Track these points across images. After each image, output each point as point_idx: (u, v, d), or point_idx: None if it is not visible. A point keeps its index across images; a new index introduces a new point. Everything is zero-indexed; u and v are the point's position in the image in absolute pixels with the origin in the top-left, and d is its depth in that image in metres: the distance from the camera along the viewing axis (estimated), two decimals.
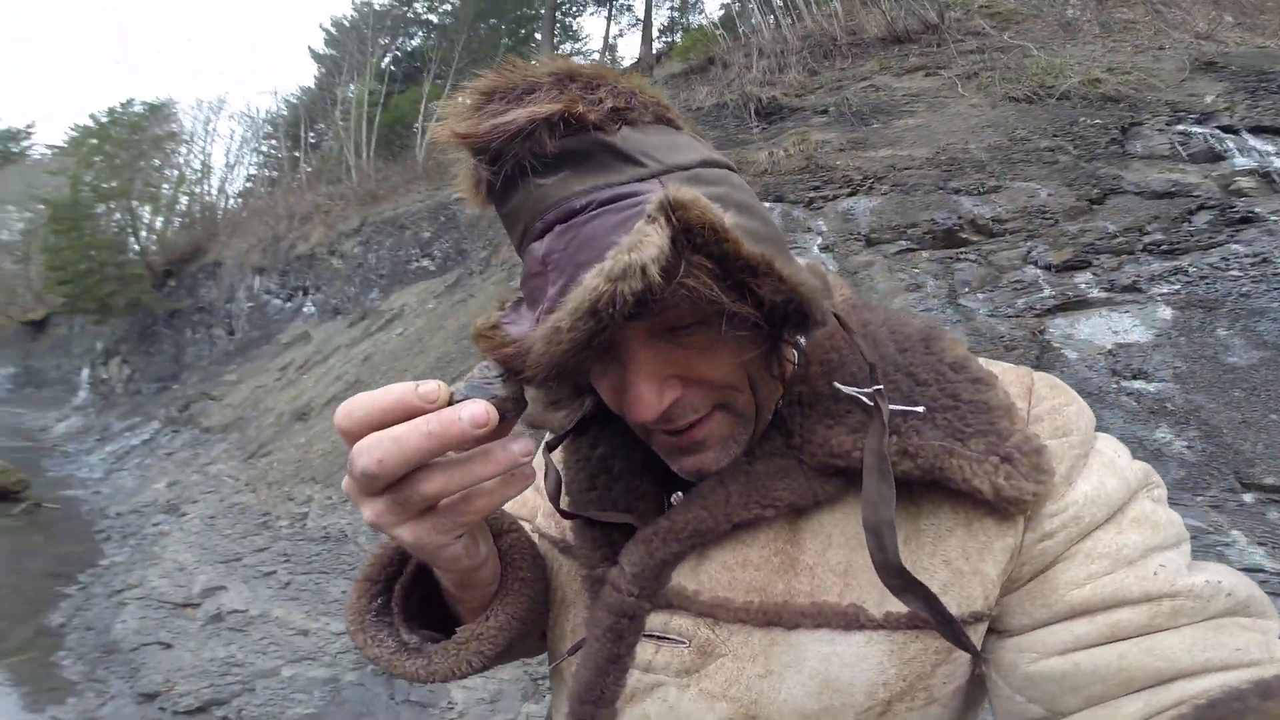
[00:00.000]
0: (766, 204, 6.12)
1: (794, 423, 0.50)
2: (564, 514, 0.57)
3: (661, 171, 0.43)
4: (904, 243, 4.91)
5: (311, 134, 20.23)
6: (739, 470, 0.50)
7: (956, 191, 4.94)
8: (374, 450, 0.35)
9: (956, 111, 5.93)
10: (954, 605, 0.46)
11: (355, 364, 8.20)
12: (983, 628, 0.48)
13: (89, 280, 16.46)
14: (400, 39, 20.71)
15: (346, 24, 21.02)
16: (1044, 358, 3.82)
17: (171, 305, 16.52)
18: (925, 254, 4.80)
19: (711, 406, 0.48)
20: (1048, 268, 4.16)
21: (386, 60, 19.76)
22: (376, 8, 20.27)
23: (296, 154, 19.40)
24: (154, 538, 5.78)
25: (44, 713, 3.20)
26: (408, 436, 0.35)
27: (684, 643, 0.50)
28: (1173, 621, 0.42)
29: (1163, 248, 3.94)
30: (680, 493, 0.54)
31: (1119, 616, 0.43)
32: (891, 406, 0.47)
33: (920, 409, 0.47)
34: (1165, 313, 3.67)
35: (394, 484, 0.37)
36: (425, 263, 10.24)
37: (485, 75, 0.46)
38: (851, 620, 0.47)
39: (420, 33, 20.75)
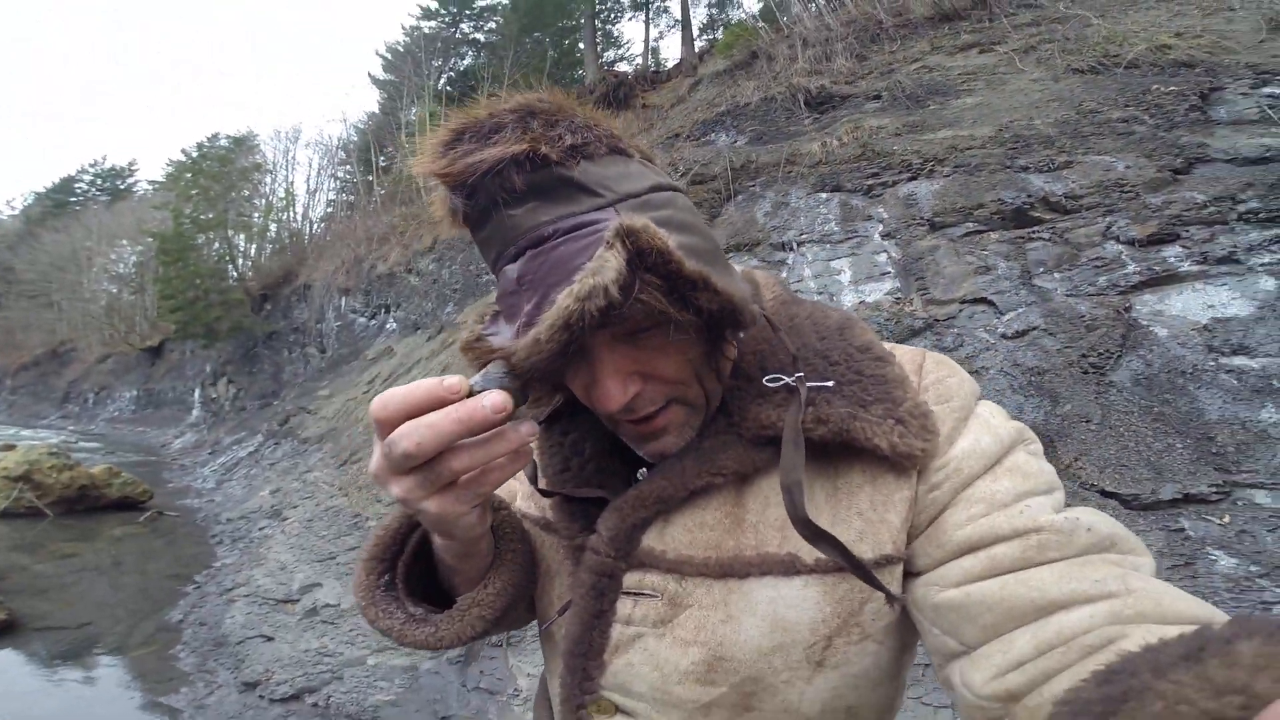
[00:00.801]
0: (823, 194, 6.08)
1: (733, 405, 0.59)
2: (543, 492, 0.65)
3: (616, 200, 0.51)
4: (971, 225, 4.71)
5: (382, 157, 21.08)
6: (691, 447, 0.59)
7: (1024, 169, 4.70)
8: (413, 435, 0.41)
9: (1017, 87, 5.64)
10: (869, 550, 0.54)
11: (434, 375, 8.56)
12: (897, 570, 0.55)
13: (196, 307, 17.73)
14: (452, 60, 21.30)
15: (401, 49, 21.84)
16: (1130, 336, 3.59)
17: (269, 327, 17.73)
18: (994, 235, 4.60)
19: (667, 400, 0.56)
20: (1131, 243, 3.90)
21: (442, 81, 20.30)
22: (426, 31, 20.92)
23: (370, 178, 20.29)
24: (260, 540, 6.20)
25: (160, 702, 3.42)
26: (441, 422, 0.41)
27: (656, 596, 0.57)
28: (1042, 555, 0.48)
29: (1260, 215, 3.61)
30: (645, 469, 0.63)
31: (997, 551, 0.50)
32: (809, 384, 0.56)
33: (830, 383, 0.56)
34: (1268, 284, 3.38)
35: (423, 464, 0.43)
36: (495, 275, 10.48)
37: (454, 115, 0.54)
38: (790, 566, 0.55)
39: (470, 52, 21.32)
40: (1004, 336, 4.10)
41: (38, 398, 32.69)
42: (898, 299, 4.76)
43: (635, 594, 0.58)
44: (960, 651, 0.50)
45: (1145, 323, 3.57)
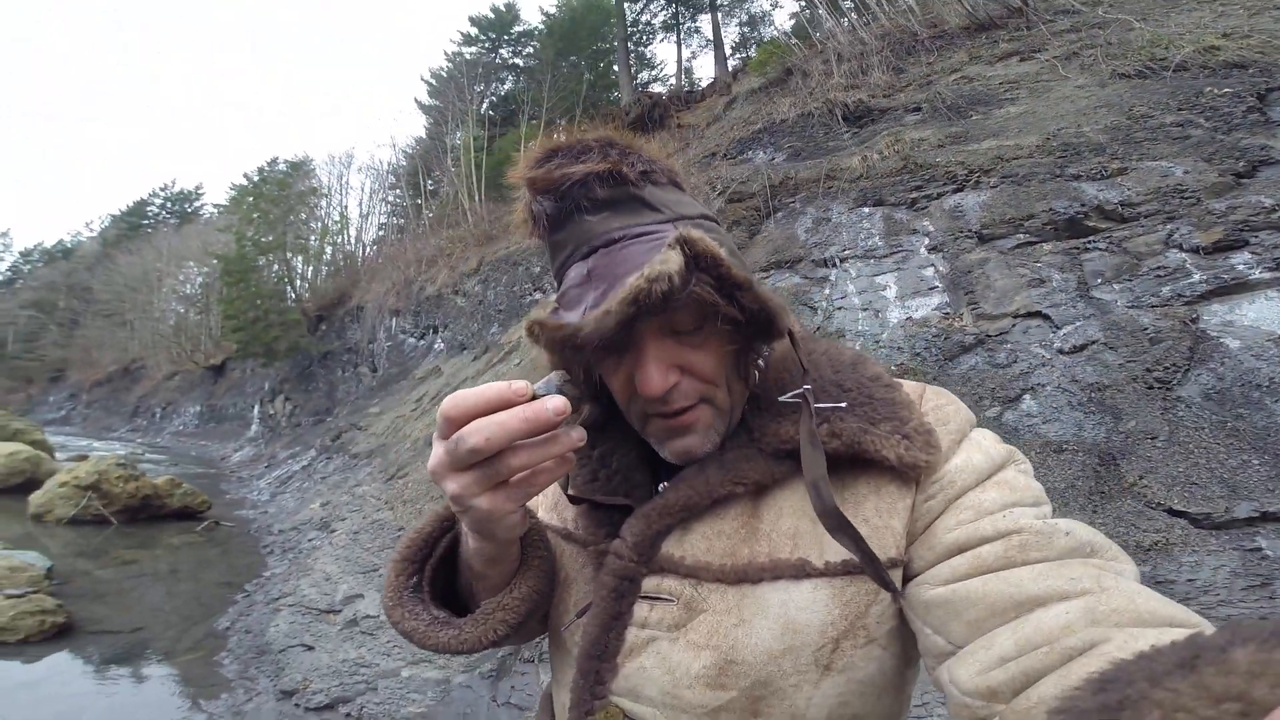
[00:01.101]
0: (866, 209, 6.00)
1: (754, 422, 0.64)
2: (573, 499, 0.69)
3: (675, 219, 0.61)
4: (1021, 236, 4.56)
5: (430, 181, 21.67)
6: (714, 459, 0.63)
7: (1076, 177, 4.53)
8: (483, 430, 0.44)
9: (1062, 94, 5.48)
10: (877, 552, 0.57)
11: None
12: (899, 573, 0.59)
13: (257, 328, 18.49)
14: (493, 85, 22.02)
15: (444, 75, 22.64)
16: (1199, 349, 3.39)
17: (324, 347, 18.35)
18: (1047, 246, 4.43)
19: (699, 398, 0.61)
20: (1195, 250, 3.70)
21: (485, 106, 20.95)
22: (468, 57, 21.69)
23: (419, 201, 20.98)
24: (308, 551, 6.35)
25: (200, 708, 3.48)
26: (509, 421, 0.45)
27: (673, 601, 0.60)
28: (1023, 554, 0.51)
29: None
30: (666, 482, 0.66)
31: (982, 551, 0.53)
32: (822, 404, 0.62)
33: (844, 405, 0.62)
34: None
35: (483, 461, 0.46)
36: (537, 295, 10.68)
37: (548, 139, 0.65)
38: (800, 570, 0.58)
39: (510, 77, 21.99)
40: (1061, 351, 3.93)
41: (109, 412, 34.60)
42: (946, 314, 4.62)
43: (653, 598, 0.61)
44: (949, 650, 0.52)
45: (1215, 334, 3.36)
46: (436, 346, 12.73)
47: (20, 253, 59.44)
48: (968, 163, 5.21)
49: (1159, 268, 3.76)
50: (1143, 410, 3.41)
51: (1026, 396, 3.84)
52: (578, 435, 0.49)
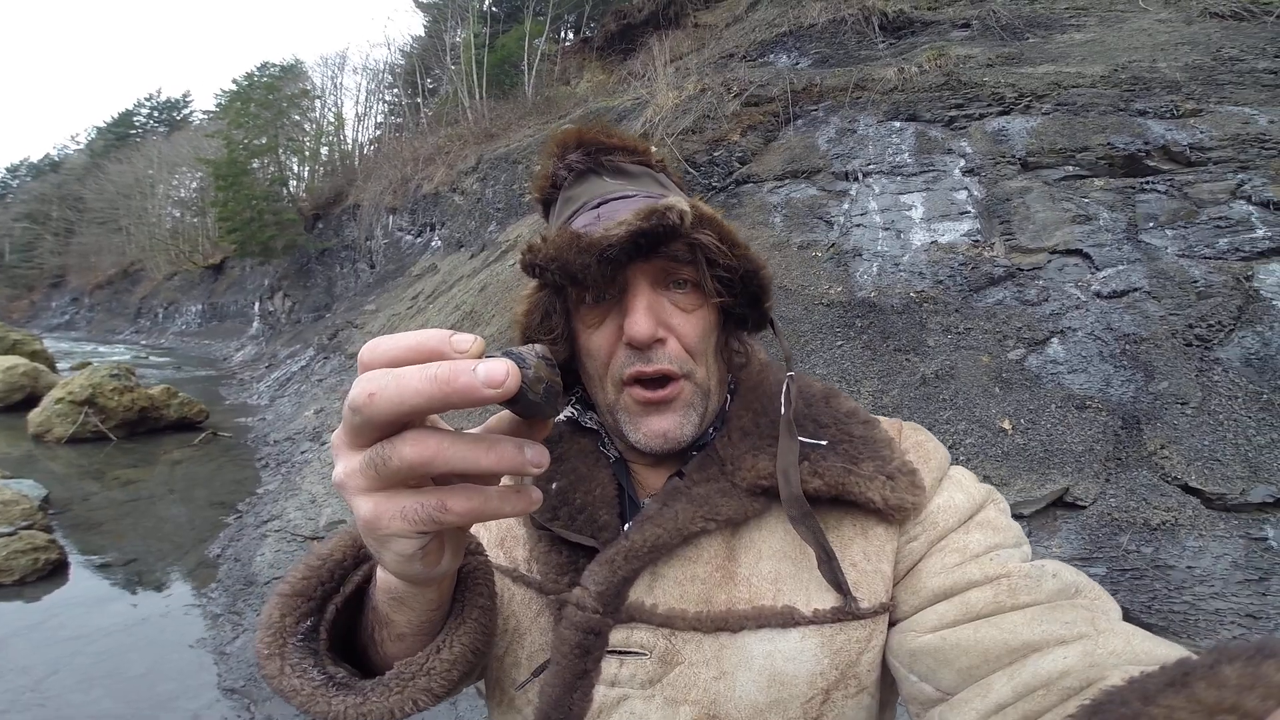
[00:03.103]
0: (897, 123, 5.62)
1: (725, 453, 0.61)
2: (538, 525, 0.62)
3: (679, 195, 0.64)
4: (1071, 168, 4.20)
5: (429, 80, 20.80)
6: (681, 494, 0.59)
7: (1142, 113, 4.15)
8: (370, 382, 0.30)
9: (1139, 27, 5.05)
10: (865, 599, 0.56)
11: (473, 293, 8.50)
12: (887, 617, 0.57)
13: (252, 228, 18.58)
14: None
15: None
16: (1248, 309, 3.16)
17: (322, 245, 18.26)
18: (1099, 182, 4.09)
19: (680, 370, 0.58)
20: (1265, 204, 3.39)
21: (488, 3, 19.69)
22: None
23: (417, 100, 20.16)
24: (298, 466, 6.20)
25: (193, 647, 3.41)
26: (409, 374, 0.30)
27: (645, 654, 0.55)
28: (1013, 599, 0.50)
29: None
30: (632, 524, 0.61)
31: (970, 596, 0.52)
32: (801, 439, 0.59)
33: (824, 443, 0.60)
34: None
35: (376, 437, 0.32)
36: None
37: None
38: (787, 618, 0.55)
39: None
40: (1098, 295, 3.69)
41: (112, 314, 34.88)
42: (976, 242, 4.33)
43: (622, 652, 0.56)
44: (938, 698, 0.50)
45: (1269, 295, 3.12)
46: (434, 244, 12.53)
47: (6, 168, 60.30)
48: (1019, 85, 4.78)
49: (1220, 218, 3.48)
50: (1177, 370, 3.22)
51: (1055, 340, 3.64)
52: (533, 456, 0.32)
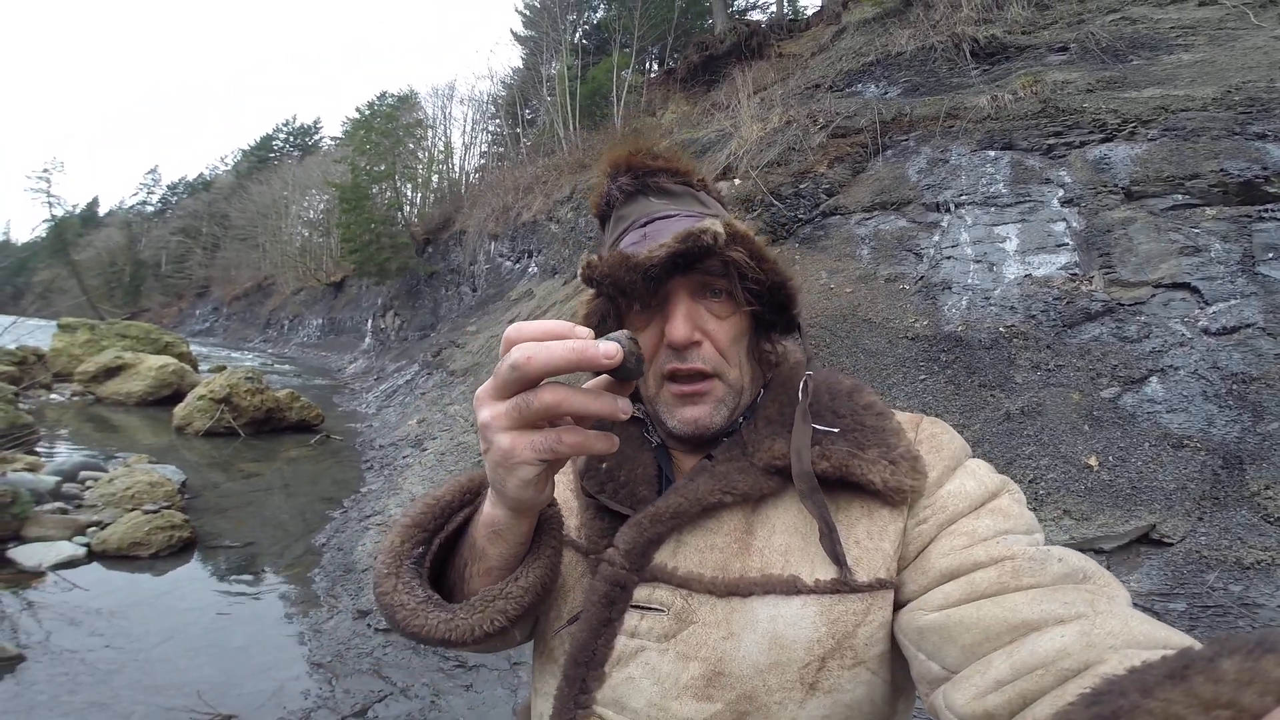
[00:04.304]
0: (991, 152, 5.51)
1: (749, 438, 0.68)
2: (586, 492, 0.71)
3: (718, 214, 0.73)
4: (1180, 196, 4.02)
5: (527, 110, 21.78)
6: (706, 471, 0.66)
7: (1260, 137, 3.92)
8: (527, 349, 0.43)
9: (1253, 45, 4.69)
10: (866, 573, 0.60)
11: (566, 317, 8.86)
12: (889, 595, 0.60)
13: (370, 249, 20.09)
14: (585, 13, 21.33)
15: (538, 5, 22.14)
16: None
17: (430, 268, 19.58)
18: (1210, 211, 3.89)
19: (713, 369, 0.67)
20: None
21: (578, 35, 20.41)
22: None
23: (516, 130, 21.20)
24: (401, 469, 6.53)
25: (292, 622, 3.68)
26: (556, 347, 0.42)
27: (664, 611, 0.61)
28: (1017, 580, 0.52)
29: None
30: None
31: (975, 577, 0.54)
32: (815, 426, 0.66)
33: (836, 430, 0.66)
34: None
35: (519, 391, 0.44)
36: None
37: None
38: (791, 586, 0.60)
39: (602, 5, 21.17)
40: (1206, 332, 3.53)
41: (245, 324, 38.50)
42: (1074, 275, 4.22)
43: (644, 608, 0.62)
44: (943, 676, 0.52)
45: None
46: (530, 270, 13.10)
47: (168, 186, 67.04)
48: (1122, 111, 4.60)
49: None
50: None
51: (1154, 379, 3.51)
52: (624, 406, 0.46)
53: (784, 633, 0.58)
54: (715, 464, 0.66)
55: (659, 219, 0.70)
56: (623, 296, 0.67)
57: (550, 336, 0.44)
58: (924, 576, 0.58)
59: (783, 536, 0.63)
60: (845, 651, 0.58)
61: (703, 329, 0.66)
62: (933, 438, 0.68)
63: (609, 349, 0.43)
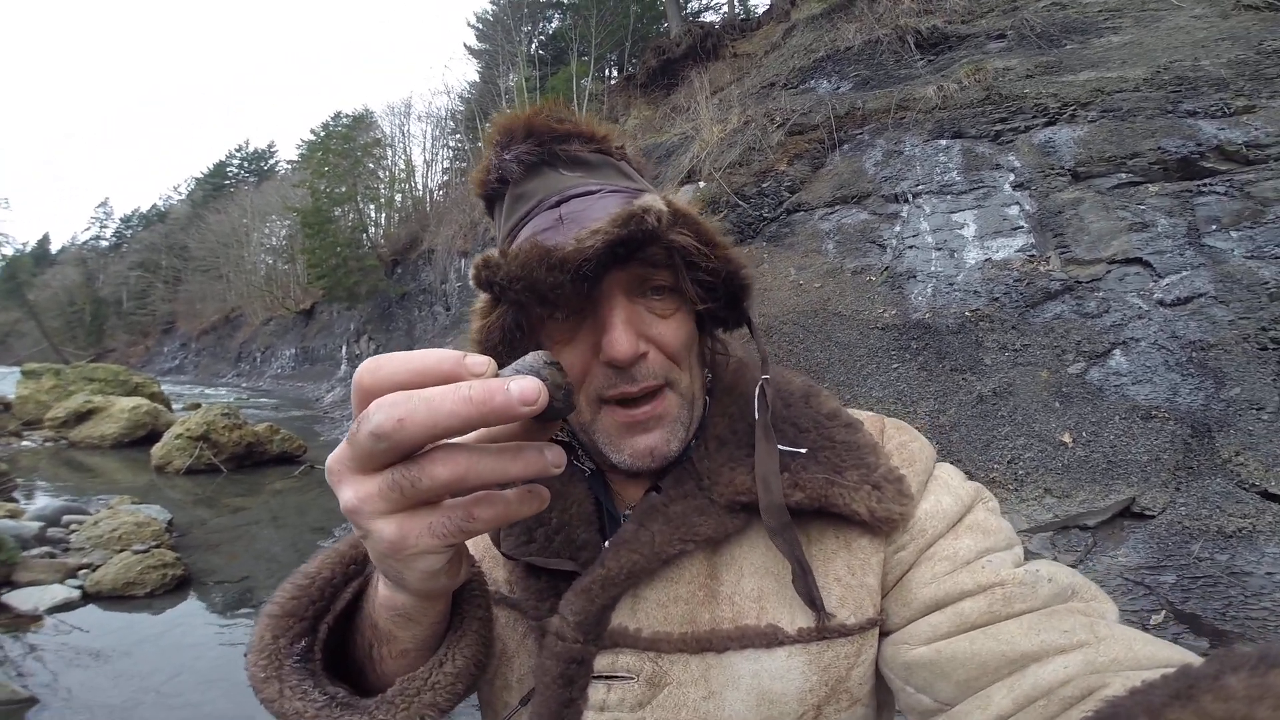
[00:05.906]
0: (943, 141, 5.62)
1: (703, 467, 0.58)
2: (508, 556, 0.59)
3: (647, 189, 0.60)
4: (1123, 175, 4.15)
5: (487, 125, 21.61)
6: (658, 513, 0.56)
7: (1192, 114, 4.07)
8: (396, 407, 0.29)
9: (1176, 25, 4.90)
10: (851, 615, 0.54)
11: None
12: (877, 629, 0.55)
13: (338, 274, 19.76)
14: (540, 24, 21.27)
15: (490, 18, 22.07)
16: None
17: (401, 289, 19.42)
18: (1153, 187, 4.02)
19: (664, 379, 0.56)
20: None
21: (534, 46, 20.37)
22: None
23: (478, 144, 21.01)
24: None
25: None
26: (442, 398, 0.29)
27: (632, 678, 0.54)
28: (1009, 608, 0.49)
29: None
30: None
31: (964, 606, 0.50)
32: (780, 447, 0.56)
33: (804, 450, 0.57)
34: None
35: (400, 460, 0.31)
36: None
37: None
38: (771, 638, 0.53)
39: (556, 15, 21.12)
40: (1161, 303, 3.64)
41: (216, 358, 37.81)
42: (1031, 256, 4.33)
43: (609, 677, 0.54)
44: (936, 709, 0.50)
45: None
46: None
47: (121, 219, 64.89)
48: (1061, 95, 4.75)
49: None
50: (1251, 375, 3.15)
51: (1117, 352, 3.61)
52: (553, 458, 0.33)
53: (771, 687, 0.52)
54: (669, 502, 0.56)
55: (575, 196, 0.55)
56: (540, 304, 0.52)
57: (429, 379, 0.30)
58: (907, 608, 0.53)
59: (752, 580, 0.55)
60: (840, 696, 0.53)
61: (646, 335, 0.54)
62: (903, 447, 0.60)
63: (525, 391, 0.29)
